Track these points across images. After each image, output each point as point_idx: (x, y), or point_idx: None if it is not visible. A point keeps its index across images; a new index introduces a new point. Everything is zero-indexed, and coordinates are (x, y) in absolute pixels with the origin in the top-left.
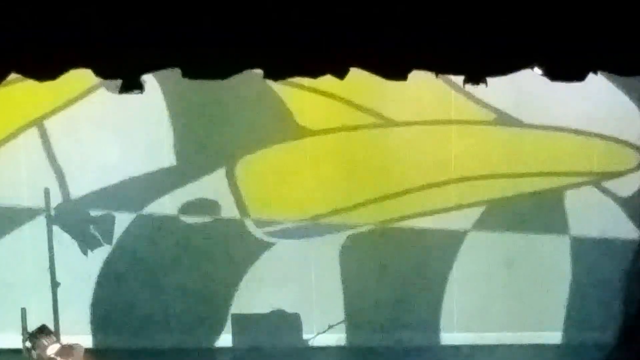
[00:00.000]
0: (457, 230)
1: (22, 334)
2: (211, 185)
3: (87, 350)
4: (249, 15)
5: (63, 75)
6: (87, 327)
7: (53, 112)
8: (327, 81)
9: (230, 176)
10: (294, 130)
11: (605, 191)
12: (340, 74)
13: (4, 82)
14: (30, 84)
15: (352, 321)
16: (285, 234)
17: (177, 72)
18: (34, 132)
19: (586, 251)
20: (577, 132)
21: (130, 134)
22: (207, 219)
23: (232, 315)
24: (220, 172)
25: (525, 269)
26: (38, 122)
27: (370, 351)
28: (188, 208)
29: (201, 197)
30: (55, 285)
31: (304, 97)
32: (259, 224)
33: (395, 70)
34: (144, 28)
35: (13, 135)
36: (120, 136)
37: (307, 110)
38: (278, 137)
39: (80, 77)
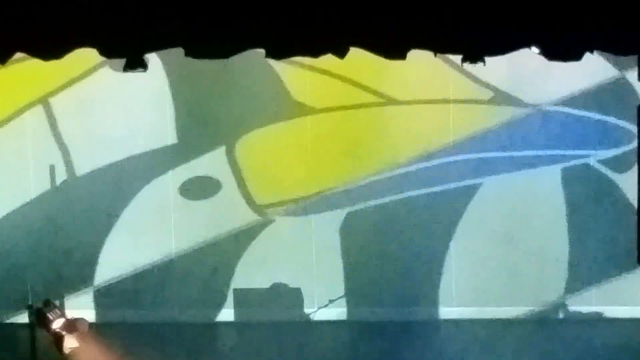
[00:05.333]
0: (456, 206)
1: (28, 309)
2: (212, 163)
3: (91, 325)
4: None
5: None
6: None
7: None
8: (328, 60)
9: (230, 154)
10: (294, 109)
11: (601, 168)
12: (340, 53)
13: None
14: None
15: (353, 296)
16: (286, 211)
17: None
18: (39, 109)
19: (583, 227)
20: (573, 109)
21: (133, 111)
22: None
23: (234, 290)
24: (221, 150)
25: (523, 245)
26: (43, 100)
27: (371, 326)
28: (189, 185)
29: (202, 175)
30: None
31: (304, 75)
32: (260, 200)
33: (394, 50)
34: (147, 7)
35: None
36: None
37: (307, 89)
38: (279, 115)
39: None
